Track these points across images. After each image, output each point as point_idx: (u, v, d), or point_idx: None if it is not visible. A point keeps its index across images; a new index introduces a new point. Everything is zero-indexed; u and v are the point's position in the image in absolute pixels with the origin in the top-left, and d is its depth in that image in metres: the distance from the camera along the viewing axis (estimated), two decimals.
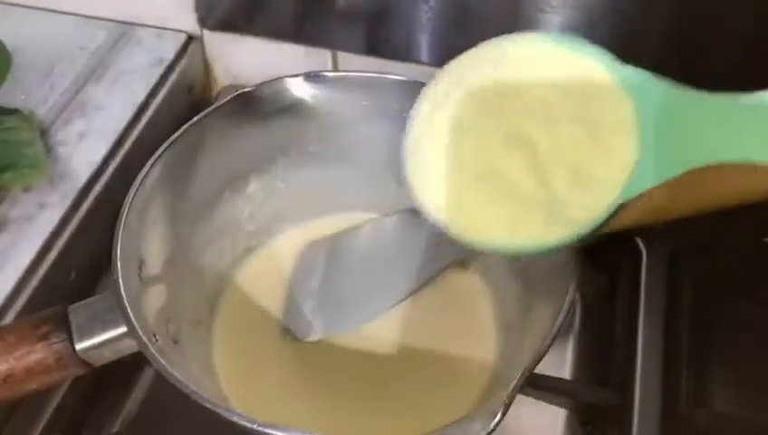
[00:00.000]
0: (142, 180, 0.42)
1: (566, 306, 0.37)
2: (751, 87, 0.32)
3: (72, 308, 0.40)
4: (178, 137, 0.44)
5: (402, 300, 0.47)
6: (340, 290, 0.49)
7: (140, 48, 0.62)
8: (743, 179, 0.33)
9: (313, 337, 0.48)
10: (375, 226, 0.51)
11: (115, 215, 0.42)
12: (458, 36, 0.56)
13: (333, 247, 0.51)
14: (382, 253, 0.49)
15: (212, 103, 0.65)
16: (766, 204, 0.34)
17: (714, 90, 0.32)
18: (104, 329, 0.39)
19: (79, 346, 0.39)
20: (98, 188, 0.53)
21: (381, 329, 0.48)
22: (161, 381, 0.50)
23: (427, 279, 0.46)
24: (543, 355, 0.36)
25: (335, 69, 0.62)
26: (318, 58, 0.62)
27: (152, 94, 0.59)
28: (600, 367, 0.49)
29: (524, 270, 0.46)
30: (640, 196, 0.32)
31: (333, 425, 0.44)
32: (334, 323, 0.48)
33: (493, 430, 0.33)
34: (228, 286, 0.51)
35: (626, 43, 0.52)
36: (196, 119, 0.46)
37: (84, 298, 0.51)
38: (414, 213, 0.49)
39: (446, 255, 0.46)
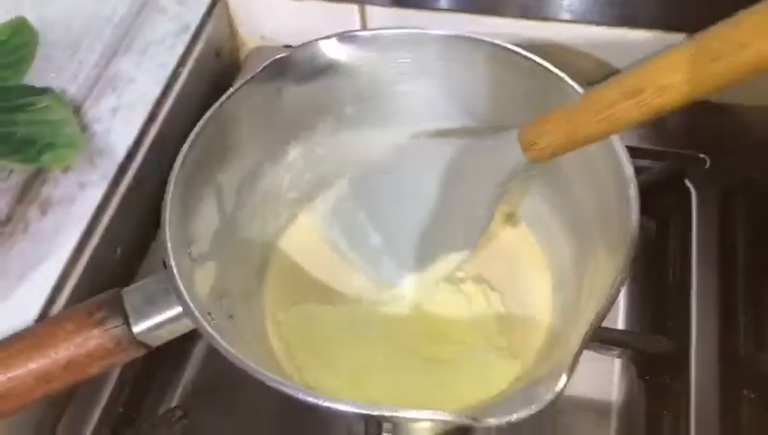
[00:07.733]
0: (183, 161, 0.41)
1: (627, 262, 0.36)
2: None
3: (125, 291, 0.40)
4: (213, 113, 0.43)
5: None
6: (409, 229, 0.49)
7: (164, 16, 0.61)
8: None
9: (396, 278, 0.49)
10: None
11: (155, 189, 0.41)
12: None
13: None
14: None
15: (241, 67, 0.65)
16: None
17: None
18: (160, 311, 0.39)
19: (136, 329, 0.39)
20: (136, 162, 0.53)
21: (434, 291, 0.48)
22: (215, 352, 0.51)
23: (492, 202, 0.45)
24: (607, 312, 0.35)
25: (363, 22, 0.61)
26: (345, 12, 0.61)
27: (181, 63, 0.58)
28: (653, 315, 0.48)
29: (576, 223, 0.45)
30: None
31: (389, 388, 0.44)
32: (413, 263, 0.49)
33: (559, 394, 0.32)
34: (275, 255, 0.51)
35: None
36: (230, 92, 0.44)
37: (132, 273, 0.52)
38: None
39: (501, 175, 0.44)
